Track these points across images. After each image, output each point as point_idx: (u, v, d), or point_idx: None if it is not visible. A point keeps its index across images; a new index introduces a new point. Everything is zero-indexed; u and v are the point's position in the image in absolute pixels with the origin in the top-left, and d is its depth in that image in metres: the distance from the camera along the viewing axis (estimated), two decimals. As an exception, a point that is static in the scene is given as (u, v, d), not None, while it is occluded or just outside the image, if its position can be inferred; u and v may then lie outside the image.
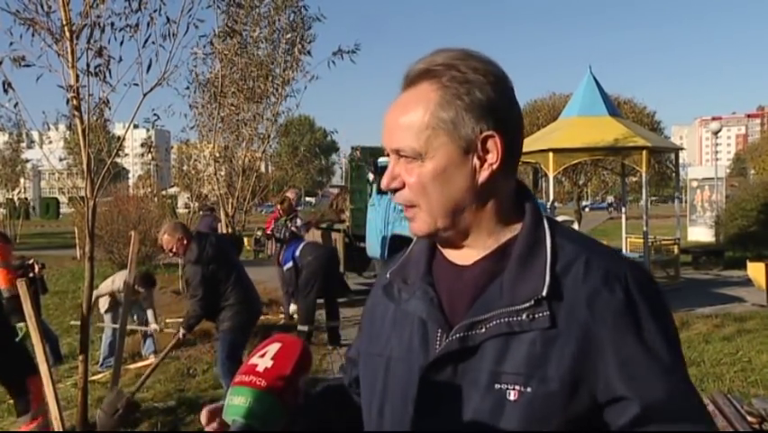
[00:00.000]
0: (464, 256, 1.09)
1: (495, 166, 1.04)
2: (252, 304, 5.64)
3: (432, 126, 1.02)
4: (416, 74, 1.06)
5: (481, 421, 0.97)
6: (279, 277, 9.77)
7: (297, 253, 8.56)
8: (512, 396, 0.96)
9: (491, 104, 1.03)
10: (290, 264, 8.66)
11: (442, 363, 1.02)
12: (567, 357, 0.96)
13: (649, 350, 0.97)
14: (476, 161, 1.03)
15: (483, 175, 1.04)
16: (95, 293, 7.33)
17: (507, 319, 0.99)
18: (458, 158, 1.03)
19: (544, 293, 0.98)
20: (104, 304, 7.51)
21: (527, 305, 0.98)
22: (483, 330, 1.00)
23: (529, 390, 0.96)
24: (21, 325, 4.73)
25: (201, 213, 14.44)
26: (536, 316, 0.98)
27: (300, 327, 8.25)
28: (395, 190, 1.07)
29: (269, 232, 10.38)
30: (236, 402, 0.89)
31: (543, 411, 0.95)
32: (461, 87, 1.02)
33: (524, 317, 0.98)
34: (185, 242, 5.37)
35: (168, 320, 8.80)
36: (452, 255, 1.11)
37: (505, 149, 1.04)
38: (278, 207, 10.22)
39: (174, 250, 5.45)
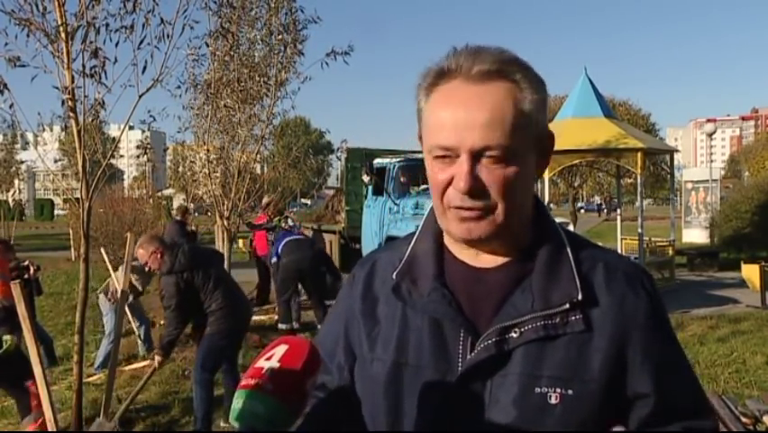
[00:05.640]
0: (484, 259, 1.06)
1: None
2: (236, 309, 5.20)
3: (521, 125, 0.97)
4: (484, 73, 0.97)
5: (523, 425, 0.97)
6: (273, 277, 9.79)
7: (280, 249, 8.62)
8: (553, 399, 0.97)
9: (547, 104, 1.05)
10: (275, 259, 8.77)
11: (474, 368, 1.00)
12: (603, 359, 0.98)
13: (673, 348, 1.05)
14: (537, 162, 1.03)
15: (537, 176, 1.06)
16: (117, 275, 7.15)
17: (542, 323, 0.99)
18: (532, 157, 1.01)
19: (580, 297, 0.99)
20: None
21: (562, 309, 0.99)
22: (517, 334, 0.99)
23: (570, 392, 0.96)
24: (7, 337, 4.73)
25: (172, 220, 12.44)
26: (570, 319, 0.99)
27: (280, 326, 8.28)
28: (475, 194, 0.96)
29: (257, 222, 10.37)
30: (241, 406, 0.87)
31: (584, 412, 0.97)
32: (535, 85, 0.99)
33: (557, 320, 0.99)
34: (159, 255, 5.07)
35: (161, 321, 8.76)
36: (469, 257, 1.07)
37: None
38: (267, 210, 10.21)
39: (149, 263, 5.15)
